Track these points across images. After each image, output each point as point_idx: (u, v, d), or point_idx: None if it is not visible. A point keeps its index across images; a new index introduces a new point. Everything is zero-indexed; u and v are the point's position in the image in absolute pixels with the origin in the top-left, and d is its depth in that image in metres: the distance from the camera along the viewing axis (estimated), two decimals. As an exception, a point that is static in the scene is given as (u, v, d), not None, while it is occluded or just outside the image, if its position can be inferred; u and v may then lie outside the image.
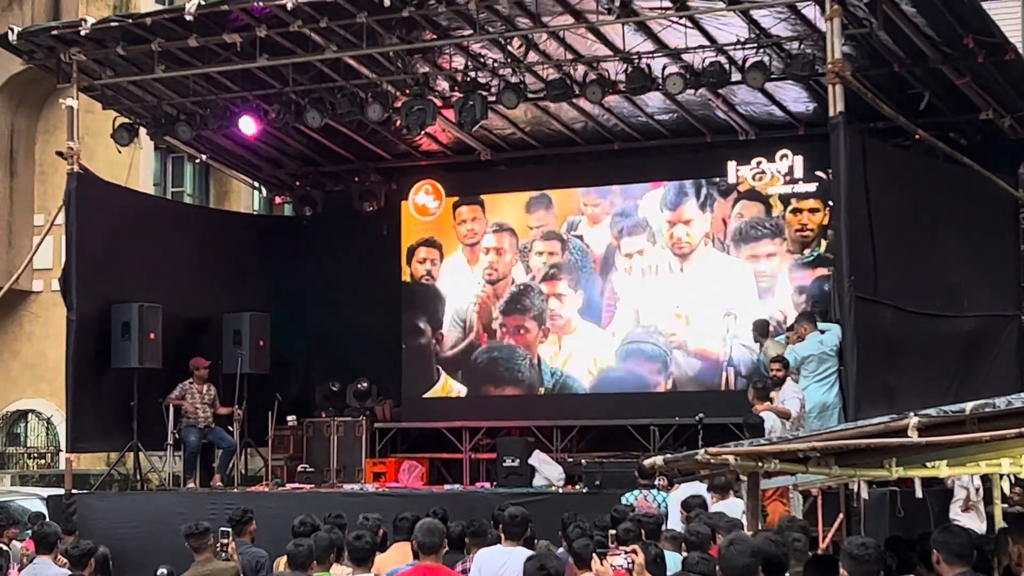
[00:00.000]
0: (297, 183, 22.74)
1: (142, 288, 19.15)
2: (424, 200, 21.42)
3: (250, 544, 12.48)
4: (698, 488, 13.29)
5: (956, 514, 14.46)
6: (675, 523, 12.38)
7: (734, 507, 12.68)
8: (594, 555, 8.55)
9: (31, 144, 26.87)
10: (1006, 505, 12.37)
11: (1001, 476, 9.88)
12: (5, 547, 13.37)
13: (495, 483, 18.89)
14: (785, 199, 19.26)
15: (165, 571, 11.08)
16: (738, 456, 7.83)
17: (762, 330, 18.40)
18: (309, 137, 21.10)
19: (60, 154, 19.14)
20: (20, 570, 12.44)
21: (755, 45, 16.87)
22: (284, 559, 10.71)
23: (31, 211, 26.69)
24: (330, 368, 21.43)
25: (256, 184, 23.77)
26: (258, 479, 20.52)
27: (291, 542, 10.47)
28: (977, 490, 14.47)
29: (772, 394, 15.31)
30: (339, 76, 18.36)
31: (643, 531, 10.77)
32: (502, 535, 11.03)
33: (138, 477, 19.50)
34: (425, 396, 21.20)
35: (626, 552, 8.37)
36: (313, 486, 18.96)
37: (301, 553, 10.20)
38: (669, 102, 18.96)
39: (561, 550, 10.79)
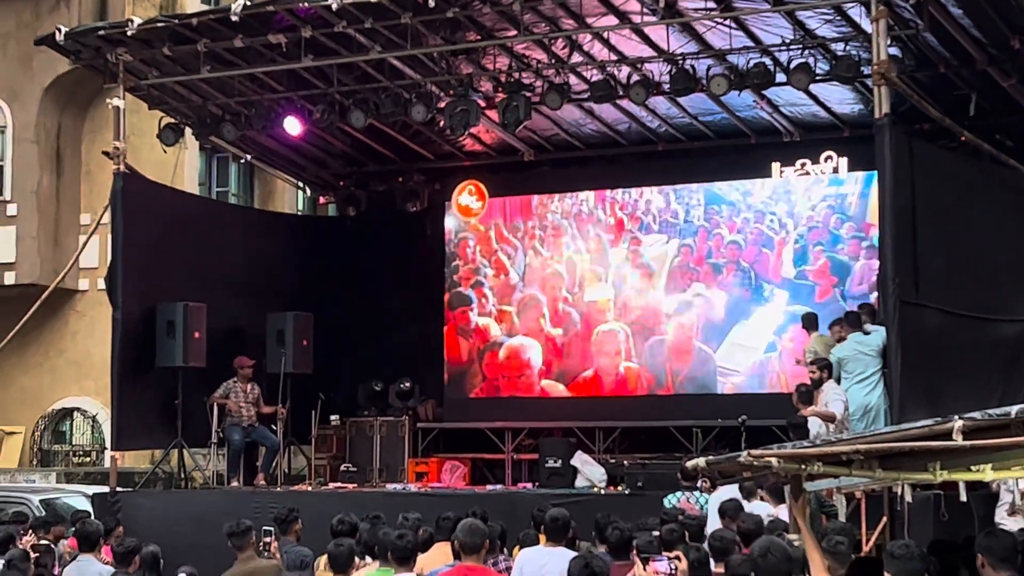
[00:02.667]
0: (341, 183, 22.80)
1: (187, 287, 19.23)
2: (467, 200, 21.46)
3: (295, 543, 12.52)
4: (732, 491, 13.28)
5: (1002, 518, 14.34)
6: (716, 525, 12.35)
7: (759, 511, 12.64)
8: (637, 560, 8.55)
9: (77, 144, 27.04)
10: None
11: (1047, 480, 9.82)
12: (52, 545, 13.47)
13: (537, 484, 18.89)
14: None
15: (185, 574, 11.14)
16: (781, 458, 7.79)
17: (810, 323, 18.34)
18: (353, 137, 21.16)
19: (106, 154, 19.25)
20: (64, 568, 12.51)
21: (800, 46, 16.81)
22: (324, 558, 10.75)
23: (77, 210, 26.85)
24: (373, 368, 21.46)
25: (300, 184, 23.84)
26: (301, 478, 20.59)
27: (332, 542, 10.50)
28: (1023, 494, 14.36)
29: (815, 396, 15.26)
30: (383, 77, 18.39)
31: (687, 533, 10.77)
32: (542, 536, 11.05)
33: (182, 475, 19.57)
34: (468, 396, 21.25)
35: (669, 558, 8.36)
36: (356, 485, 19.01)
37: (342, 553, 10.23)
38: (713, 103, 18.91)
39: (602, 550, 10.78)
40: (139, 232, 18.88)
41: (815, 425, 14.82)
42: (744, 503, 13.35)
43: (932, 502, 13.55)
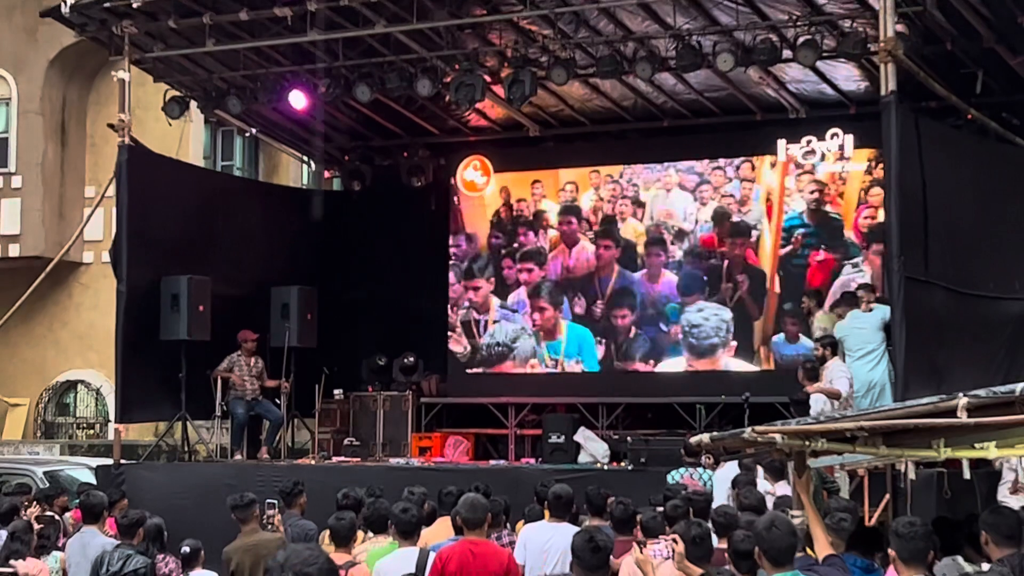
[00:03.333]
0: (346, 157, 22.80)
1: (191, 260, 19.24)
2: (472, 176, 21.45)
3: (300, 516, 12.55)
4: (735, 468, 13.31)
5: (1004, 496, 14.36)
6: (720, 501, 12.37)
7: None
8: (635, 544, 8.57)
9: (82, 116, 27.05)
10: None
11: (1051, 459, 9.82)
12: (56, 516, 13.52)
13: (540, 459, 18.92)
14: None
15: (188, 549, 11.16)
16: (785, 435, 7.80)
17: (816, 298, 18.34)
18: (358, 112, 21.14)
19: (111, 126, 19.23)
20: (68, 539, 12.55)
21: (807, 23, 16.75)
22: (328, 532, 10.78)
23: (82, 183, 26.87)
24: (377, 342, 21.49)
25: (305, 158, 23.84)
26: (304, 452, 20.63)
27: (333, 515, 10.53)
28: (1026, 472, 14.38)
29: (820, 373, 15.27)
30: (389, 51, 18.36)
31: (691, 509, 10.79)
32: (546, 511, 11.07)
33: (186, 448, 19.61)
34: (471, 371, 21.28)
35: (667, 540, 8.38)
36: (359, 459, 19.06)
37: (343, 526, 10.26)
38: (719, 79, 18.87)
39: (597, 522, 10.80)
40: (144, 205, 18.89)
41: (818, 402, 14.83)
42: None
43: (935, 480, 13.57)
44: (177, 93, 19.75)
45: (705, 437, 8.84)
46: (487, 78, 18.50)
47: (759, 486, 12.99)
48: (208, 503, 15.54)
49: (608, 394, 19.86)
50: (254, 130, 21.92)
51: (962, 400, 6.92)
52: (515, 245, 21.28)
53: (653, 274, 20.42)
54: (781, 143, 19.41)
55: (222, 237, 20.16)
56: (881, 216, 17.94)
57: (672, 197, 20.40)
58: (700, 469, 14.04)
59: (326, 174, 23.93)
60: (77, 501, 13.68)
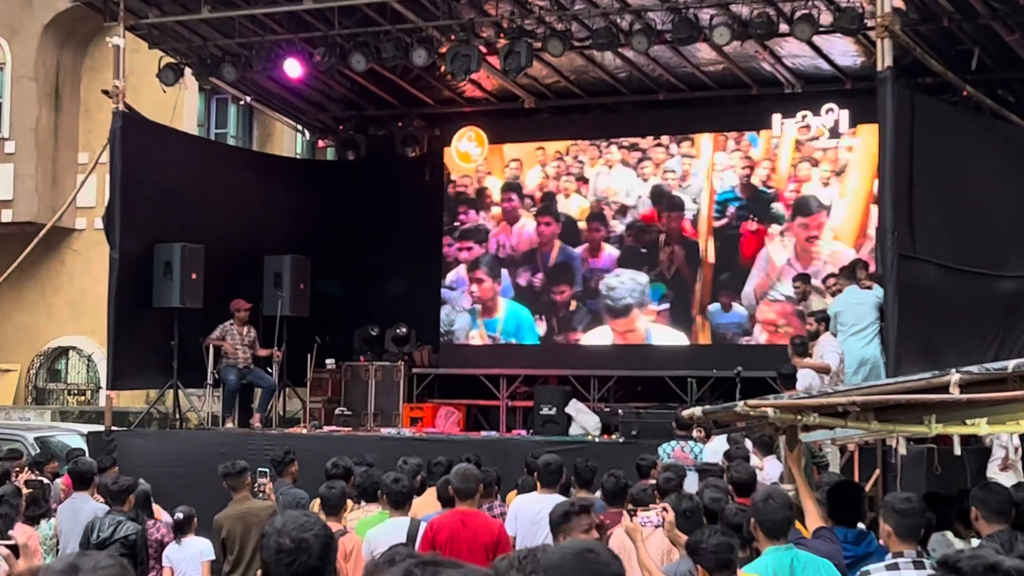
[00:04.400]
0: (340, 127, 22.75)
1: (185, 228, 19.21)
2: (467, 147, 21.42)
3: (291, 485, 12.57)
4: (725, 441, 13.34)
5: (993, 472, 14.42)
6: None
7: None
8: (625, 512, 8.58)
9: (76, 82, 26.96)
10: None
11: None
12: (47, 482, 13.53)
13: (531, 431, 18.95)
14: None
15: (181, 515, 11.18)
16: (777, 408, 7.82)
17: (807, 282, 18.34)
18: (353, 81, 21.09)
19: (106, 92, 19.17)
20: (58, 505, 12.57)
21: (804, -3, 16.75)
22: (318, 501, 10.80)
23: (75, 149, 26.80)
24: (369, 312, 21.51)
25: (299, 127, 23.78)
26: (296, 421, 20.65)
27: (324, 484, 10.55)
28: (1016, 449, 14.43)
29: (809, 348, 15.28)
30: (385, 20, 18.31)
31: (683, 481, 10.81)
32: (537, 482, 11.09)
33: (177, 416, 19.63)
34: (463, 342, 21.29)
35: (657, 509, 8.39)
36: (351, 429, 19.08)
37: (334, 495, 10.28)
38: (715, 53, 18.84)
39: (584, 494, 10.82)
40: (137, 172, 18.84)
41: (806, 377, 14.84)
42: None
43: (925, 455, 13.59)
44: (172, 60, 19.70)
45: (697, 410, 8.88)
46: (483, 49, 18.47)
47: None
48: (199, 471, 15.55)
49: (600, 367, 19.91)
50: (249, 98, 21.86)
51: (955, 376, 6.95)
52: (456, 224, 21.53)
53: (593, 248, 20.74)
54: (776, 117, 19.42)
55: (216, 205, 20.11)
56: (805, 190, 19.40)
57: (614, 174, 20.71)
58: (691, 442, 14.06)
59: (320, 143, 23.92)
60: (67, 467, 13.69)
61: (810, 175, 19.43)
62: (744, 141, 19.90)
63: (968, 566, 3.64)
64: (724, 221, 19.98)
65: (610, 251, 20.62)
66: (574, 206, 20.87)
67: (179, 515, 11.15)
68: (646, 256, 20.36)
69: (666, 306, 20.18)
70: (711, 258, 20.00)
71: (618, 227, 20.58)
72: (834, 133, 19.13)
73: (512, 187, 21.28)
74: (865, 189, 18.91)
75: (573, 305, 20.74)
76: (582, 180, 20.85)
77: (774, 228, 19.64)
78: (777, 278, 19.46)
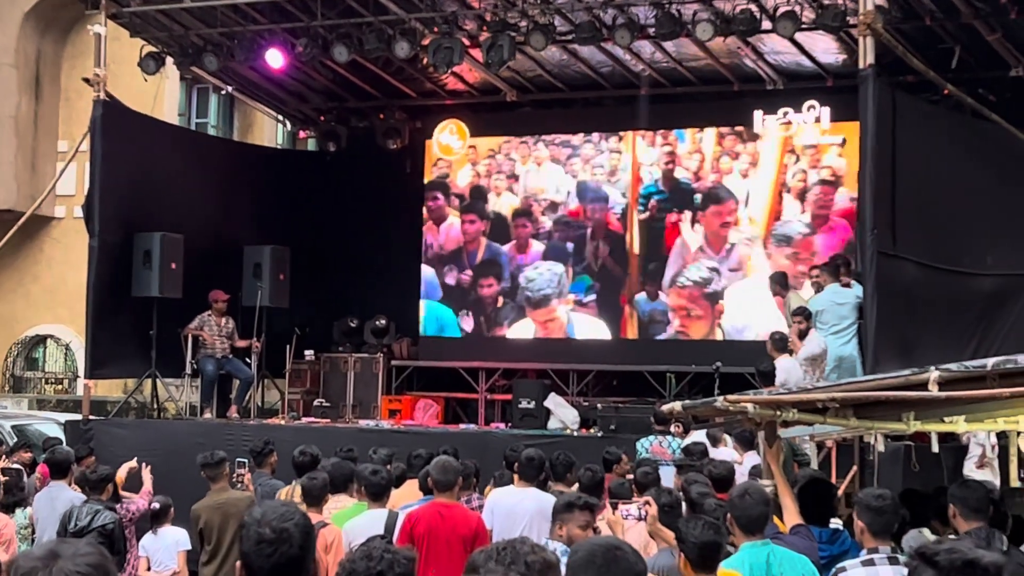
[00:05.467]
0: (322, 118, 22.73)
1: (164, 218, 19.17)
2: (448, 139, 21.41)
3: (270, 476, 12.56)
4: (701, 435, 13.39)
5: (970, 470, 14.45)
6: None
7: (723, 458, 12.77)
8: (607, 504, 8.60)
9: (57, 69, 26.88)
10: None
11: (1019, 433, 9.88)
12: (24, 469, 13.49)
13: (510, 424, 18.93)
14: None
15: (158, 505, 11.15)
16: (757, 404, 7.84)
17: (782, 282, 18.37)
18: (335, 72, 21.05)
19: (86, 80, 19.12)
20: (35, 493, 12.53)
21: (787, -6, 16.77)
22: (295, 488, 10.79)
23: (55, 137, 26.72)
24: (349, 304, 21.49)
25: (281, 118, 23.74)
26: (274, 412, 20.63)
27: (306, 475, 10.53)
28: (993, 447, 14.47)
29: (799, 344, 15.29)
30: (367, 12, 18.28)
31: (659, 476, 10.83)
32: (515, 476, 11.09)
33: (155, 405, 19.58)
34: (442, 335, 21.30)
35: (639, 504, 8.41)
36: (329, 420, 19.05)
37: (315, 486, 10.26)
38: (698, 49, 18.85)
39: (561, 488, 10.83)
40: (117, 161, 18.79)
41: (783, 372, 14.86)
42: (710, 449, 13.46)
43: (902, 453, 13.64)
44: (153, 49, 19.64)
45: (677, 405, 8.89)
46: (465, 41, 18.46)
47: (726, 455, 13.08)
48: (177, 461, 15.49)
49: (579, 361, 19.95)
50: (230, 88, 21.83)
51: (934, 374, 6.97)
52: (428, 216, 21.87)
53: (521, 245, 21.04)
54: (758, 114, 19.46)
55: (196, 195, 20.07)
56: (727, 181, 19.92)
57: (544, 170, 21.00)
58: (669, 437, 14.08)
59: (301, 134, 23.88)
60: (44, 456, 13.66)
61: (731, 167, 19.92)
62: (672, 136, 20.31)
63: (946, 560, 3.63)
64: (647, 214, 20.40)
65: (537, 247, 21.06)
66: (504, 204, 21.16)
67: (156, 505, 11.13)
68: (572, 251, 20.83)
69: (592, 297, 20.59)
70: (636, 250, 20.48)
71: (547, 223, 20.96)
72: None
73: (438, 186, 21.61)
74: (774, 179, 19.59)
75: (500, 301, 21.13)
76: (512, 177, 21.17)
77: (686, 215, 20.12)
78: (688, 264, 20.04)
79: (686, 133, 20.23)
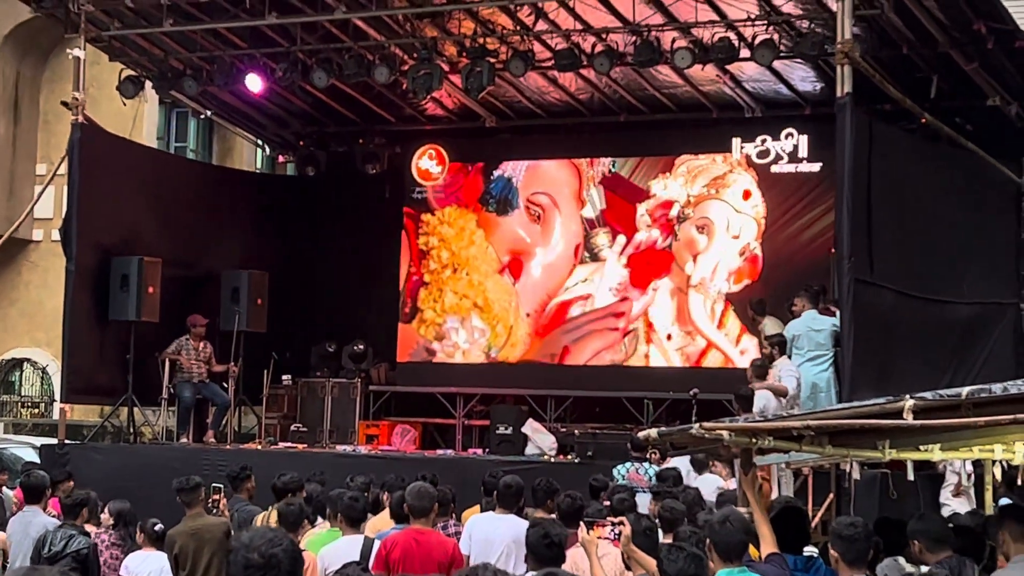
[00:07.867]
0: (301, 143, 22.71)
1: (142, 242, 19.16)
2: (427, 165, 21.41)
3: (247, 501, 12.50)
4: (682, 463, 13.39)
5: (947, 499, 14.49)
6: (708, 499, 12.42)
7: (709, 483, 12.80)
8: (582, 524, 8.59)
9: (35, 92, 26.81)
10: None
11: (994, 462, 9.91)
12: (-1, 493, 13.42)
13: (487, 450, 18.90)
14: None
15: (159, 529, 11.08)
16: (733, 432, 7.84)
17: (759, 308, 18.41)
18: (315, 97, 21.06)
19: (65, 104, 19.11)
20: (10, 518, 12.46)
21: (765, 22, 16.83)
22: (271, 514, 10.75)
23: (33, 160, 26.64)
24: (327, 329, 21.45)
25: (260, 142, 23.73)
26: (251, 437, 20.54)
27: (283, 500, 10.51)
28: (969, 475, 14.49)
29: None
30: (347, 37, 18.32)
31: (635, 502, 10.83)
32: (496, 503, 11.07)
33: (131, 430, 19.50)
34: (421, 360, 21.27)
35: (614, 524, 8.40)
36: (306, 445, 18.99)
37: (292, 512, 10.24)
38: (676, 76, 18.91)
39: (542, 515, 10.81)
40: (95, 184, 18.77)
41: (761, 399, 14.89)
42: (695, 475, 13.47)
43: (878, 480, 13.68)
44: (132, 73, 19.63)
45: (653, 432, 8.87)
46: (445, 67, 18.49)
47: (711, 481, 13.11)
48: (153, 485, 15.44)
49: (557, 387, 19.93)
50: (209, 112, 21.81)
51: (908, 402, 6.97)
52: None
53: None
54: (736, 141, 19.52)
55: (174, 219, 20.05)
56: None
57: None
58: (646, 464, 14.08)
59: (280, 159, 23.87)
60: (19, 480, 13.58)
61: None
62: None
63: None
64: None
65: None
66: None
67: (159, 527, 11.05)
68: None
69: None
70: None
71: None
72: (792, 158, 19.25)
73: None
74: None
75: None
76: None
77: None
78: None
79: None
